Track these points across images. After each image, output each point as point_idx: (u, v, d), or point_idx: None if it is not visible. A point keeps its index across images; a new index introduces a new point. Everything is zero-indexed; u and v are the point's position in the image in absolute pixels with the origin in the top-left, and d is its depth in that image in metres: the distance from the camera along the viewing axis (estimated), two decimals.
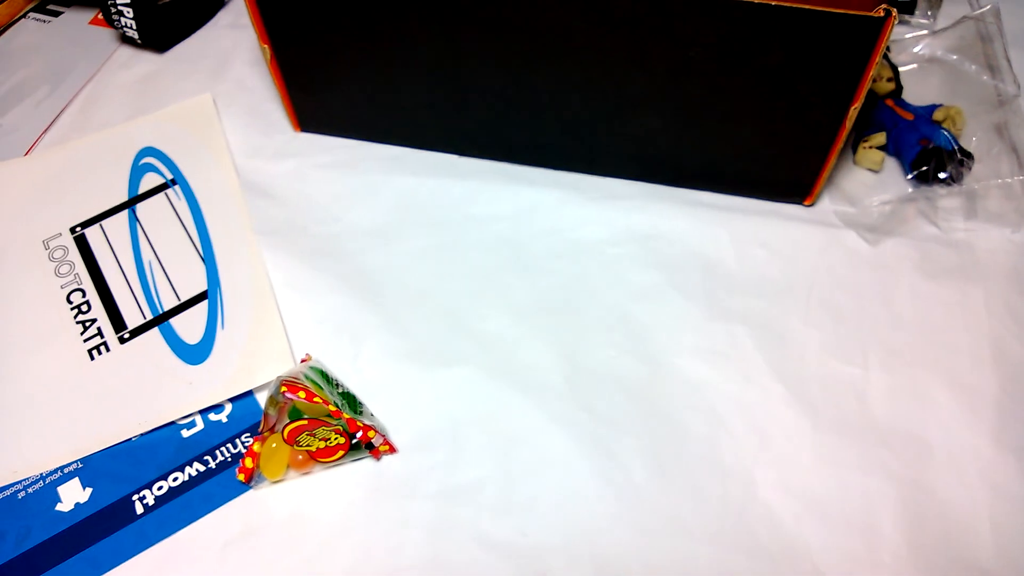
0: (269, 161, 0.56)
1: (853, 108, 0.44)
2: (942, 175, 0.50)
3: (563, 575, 0.38)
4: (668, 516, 0.40)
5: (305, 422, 0.40)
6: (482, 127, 0.53)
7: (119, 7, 0.62)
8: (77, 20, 0.69)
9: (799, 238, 0.50)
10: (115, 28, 0.64)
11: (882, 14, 0.39)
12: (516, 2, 0.44)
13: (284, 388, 0.40)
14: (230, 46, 0.65)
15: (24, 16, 0.70)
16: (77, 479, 0.42)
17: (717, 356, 0.45)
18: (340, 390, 0.43)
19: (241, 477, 0.41)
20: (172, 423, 0.44)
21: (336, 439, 0.40)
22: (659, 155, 0.51)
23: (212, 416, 0.44)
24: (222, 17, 0.68)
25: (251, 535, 0.40)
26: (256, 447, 0.41)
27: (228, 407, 0.45)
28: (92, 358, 0.46)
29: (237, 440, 0.43)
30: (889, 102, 0.54)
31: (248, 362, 0.45)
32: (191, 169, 0.56)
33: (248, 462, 0.41)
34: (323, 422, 0.40)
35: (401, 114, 0.54)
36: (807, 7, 0.40)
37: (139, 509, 0.41)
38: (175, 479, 0.42)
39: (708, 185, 0.53)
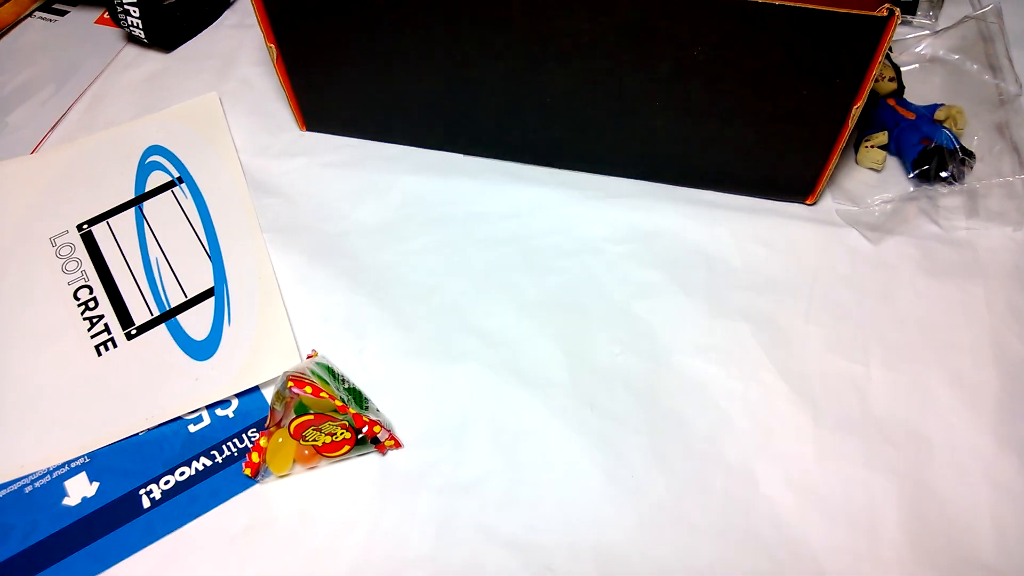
0: (275, 160, 0.57)
1: (855, 108, 0.45)
2: (943, 174, 0.50)
3: (567, 569, 0.38)
4: (671, 511, 0.40)
5: (311, 417, 0.40)
6: (487, 127, 0.53)
7: (125, 6, 0.62)
8: (83, 19, 0.70)
9: (801, 236, 0.51)
10: (121, 27, 0.64)
11: (885, 13, 0.40)
12: (521, 2, 0.44)
13: (291, 383, 0.41)
14: (236, 46, 0.65)
15: (30, 15, 0.71)
16: (84, 474, 0.43)
17: (720, 353, 0.46)
18: (346, 386, 0.43)
19: (247, 472, 0.41)
20: (179, 418, 0.44)
21: (342, 434, 0.41)
22: (663, 154, 0.52)
23: (219, 411, 0.45)
24: (228, 17, 0.68)
25: (257, 529, 0.40)
26: (262, 442, 0.41)
27: (235, 402, 0.45)
28: (99, 354, 0.47)
29: (243, 435, 0.44)
30: (891, 101, 0.54)
31: (254, 358, 0.46)
32: (198, 167, 0.56)
33: (254, 457, 0.41)
34: (329, 417, 0.40)
35: (407, 114, 0.54)
36: (810, 7, 0.40)
37: (146, 503, 0.41)
38: (182, 474, 0.42)
39: (711, 184, 0.53)
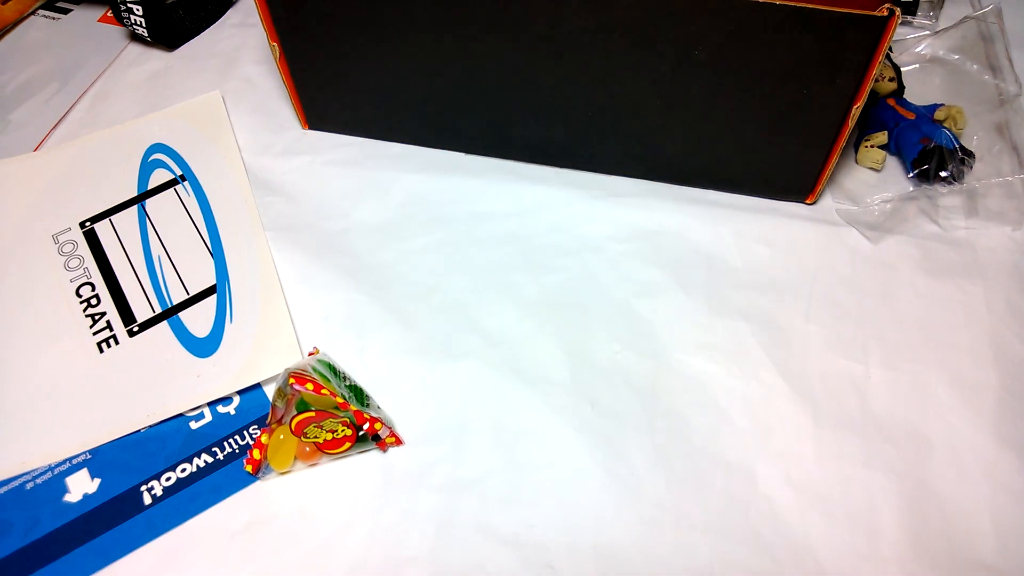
0: (278, 158, 0.57)
1: (855, 107, 0.45)
2: (943, 174, 0.50)
3: (567, 566, 0.39)
4: (671, 510, 0.40)
5: (312, 414, 0.40)
6: (489, 126, 0.53)
7: (128, 5, 0.62)
8: (86, 18, 0.70)
9: (801, 236, 0.51)
10: (124, 26, 0.65)
11: (885, 13, 0.40)
12: (523, 1, 0.44)
13: (292, 380, 0.41)
14: (239, 44, 0.65)
15: (33, 13, 0.71)
16: (86, 470, 0.43)
17: (720, 352, 0.46)
18: (347, 383, 0.43)
19: (249, 468, 0.41)
20: (180, 415, 0.44)
21: (343, 431, 0.41)
22: (663, 153, 0.52)
23: (220, 408, 0.45)
24: (231, 16, 0.68)
25: (258, 526, 0.40)
26: (264, 439, 0.42)
27: (236, 399, 0.45)
28: (101, 351, 0.47)
29: (245, 432, 0.44)
30: (891, 101, 0.54)
31: (256, 355, 0.46)
32: (200, 165, 0.56)
33: (256, 453, 0.41)
34: (330, 414, 0.40)
35: (409, 112, 0.54)
36: (811, 6, 0.40)
37: (147, 500, 0.42)
38: (183, 470, 0.42)
39: (711, 183, 0.53)
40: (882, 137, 0.53)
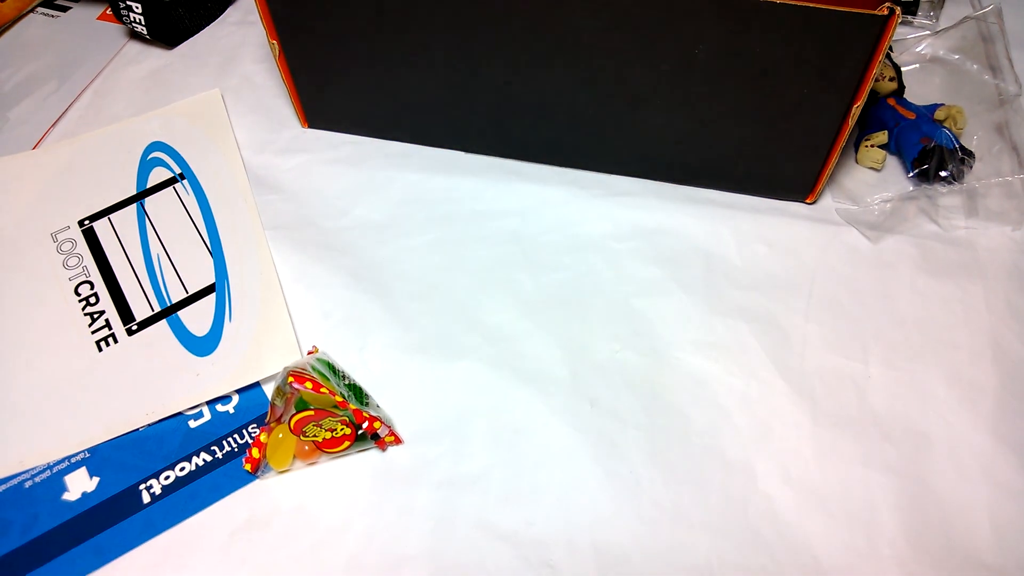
0: (277, 156, 0.57)
1: (855, 107, 0.45)
2: (943, 173, 0.50)
3: (566, 564, 0.39)
4: (670, 508, 0.40)
5: (311, 412, 0.40)
6: (488, 124, 0.53)
7: (128, 3, 0.62)
8: (85, 15, 0.70)
9: (801, 235, 0.51)
10: (124, 24, 0.64)
11: (885, 13, 0.40)
12: (523, 1, 0.44)
13: (291, 379, 0.41)
14: (239, 42, 0.65)
15: (32, 11, 0.71)
16: (84, 468, 0.43)
17: (719, 350, 0.46)
18: (346, 381, 0.43)
19: (248, 467, 0.41)
20: (179, 414, 0.44)
21: (342, 430, 0.41)
22: (664, 152, 0.52)
23: (219, 407, 0.45)
24: (231, 14, 0.68)
25: (257, 524, 0.40)
26: (263, 437, 0.42)
27: (235, 398, 0.45)
28: (100, 350, 0.47)
29: (244, 430, 0.44)
30: (891, 101, 0.54)
31: (255, 354, 0.46)
32: (199, 163, 0.56)
33: (255, 452, 0.41)
34: (329, 413, 0.40)
35: (408, 111, 0.54)
36: (811, 5, 0.40)
37: (146, 498, 0.42)
38: (182, 469, 0.42)
39: (711, 182, 0.53)
40: (882, 137, 0.53)
